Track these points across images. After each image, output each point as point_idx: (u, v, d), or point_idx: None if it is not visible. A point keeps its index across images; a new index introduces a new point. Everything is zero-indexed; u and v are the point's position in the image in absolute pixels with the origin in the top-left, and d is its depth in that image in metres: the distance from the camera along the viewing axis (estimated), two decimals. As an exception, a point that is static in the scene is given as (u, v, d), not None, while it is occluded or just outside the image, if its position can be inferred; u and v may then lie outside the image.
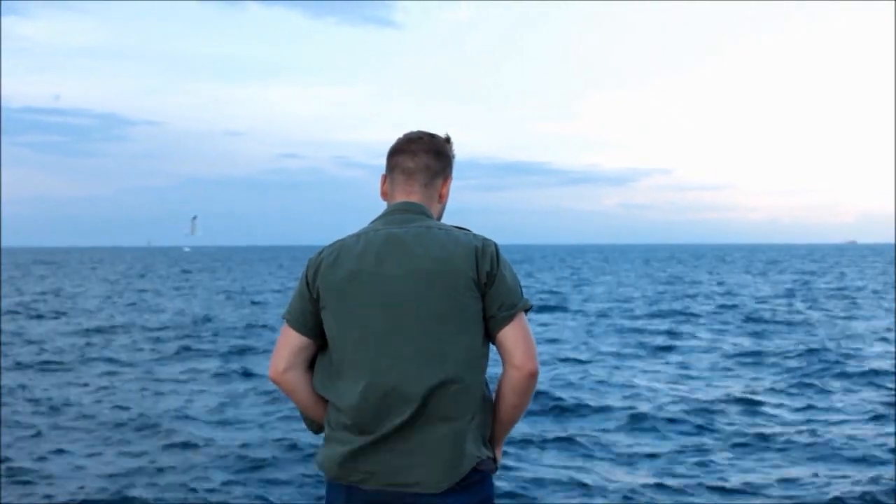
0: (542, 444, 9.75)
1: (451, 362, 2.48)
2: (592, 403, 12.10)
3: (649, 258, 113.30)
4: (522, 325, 2.52)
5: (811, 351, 17.54)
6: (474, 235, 2.58)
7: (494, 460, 2.60)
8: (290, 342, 2.61)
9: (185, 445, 9.70)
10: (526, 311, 2.54)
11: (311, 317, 2.59)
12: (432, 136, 2.74)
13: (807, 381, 14.02)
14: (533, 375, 2.51)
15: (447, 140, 2.76)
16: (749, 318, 25.41)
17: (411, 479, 2.49)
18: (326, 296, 2.56)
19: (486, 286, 2.52)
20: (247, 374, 14.78)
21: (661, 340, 20.09)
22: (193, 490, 7.97)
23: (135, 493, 7.80)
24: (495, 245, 2.56)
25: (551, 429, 10.58)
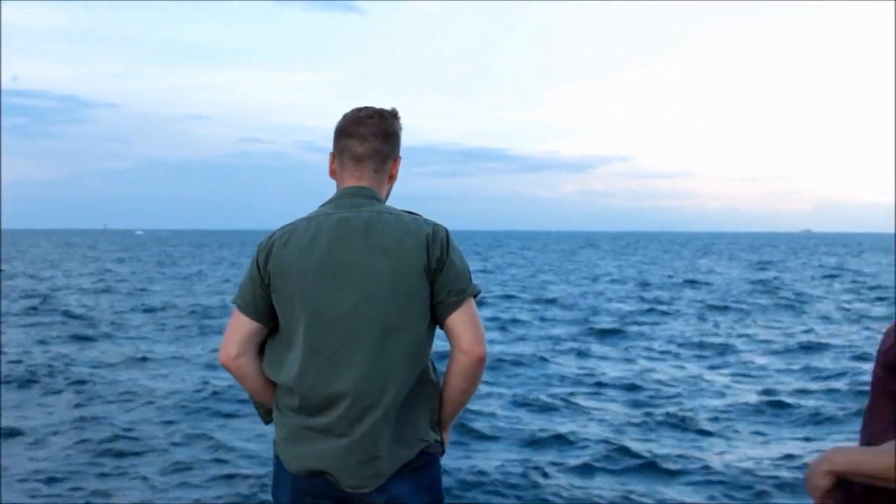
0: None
1: (415, 352, 2.53)
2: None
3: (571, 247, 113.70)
4: (471, 310, 2.53)
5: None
6: (424, 221, 2.57)
7: (442, 443, 2.62)
8: (241, 327, 2.59)
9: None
10: (475, 296, 2.55)
11: (261, 301, 2.57)
12: (381, 117, 2.68)
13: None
14: (481, 360, 2.52)
15: (394, 115, 2.71)
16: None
17: (374, 465, 2.50)
18: (277, 280, 2.53)
19: (435, 272, 2.51)
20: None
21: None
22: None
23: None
24: (446, 231, 2.56)
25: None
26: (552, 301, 27.16)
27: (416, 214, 2.61)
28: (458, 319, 2.52)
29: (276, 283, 2.54)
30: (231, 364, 2.60)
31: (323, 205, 2.66)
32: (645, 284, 35.25)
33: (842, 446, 2.22)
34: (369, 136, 2.65)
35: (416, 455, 2.53)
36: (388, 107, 2.72)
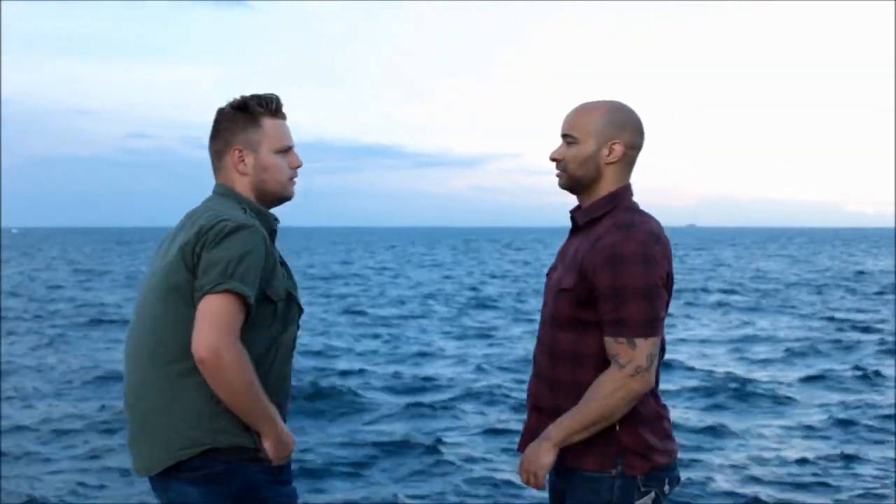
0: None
1: (157, 332, 2.51)
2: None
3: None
4: (206, 307, 2.40)
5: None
6: (217, 213, 2.50)
7: (242, 448, 2.50)
8: None
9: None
10: (236, 294, 2.40)
11: None
12: (218, 112, 2.69)
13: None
14: (201, 361, 2.37)
15: (233, 106, 2.66)
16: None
17: (139, 462, 2.55)
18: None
19: (196, 266, 2.46)
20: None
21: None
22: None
23: None
24: (232, 226, 2.45)
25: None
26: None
27: (238, 206, 2.58)
28: (197, 317, 2.42)
29: None
30: None
31: None
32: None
33: (554, 425, 2.48)
34: (209, 138, 2.71)
35: (188, 457, 2.45)
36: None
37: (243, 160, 2.63)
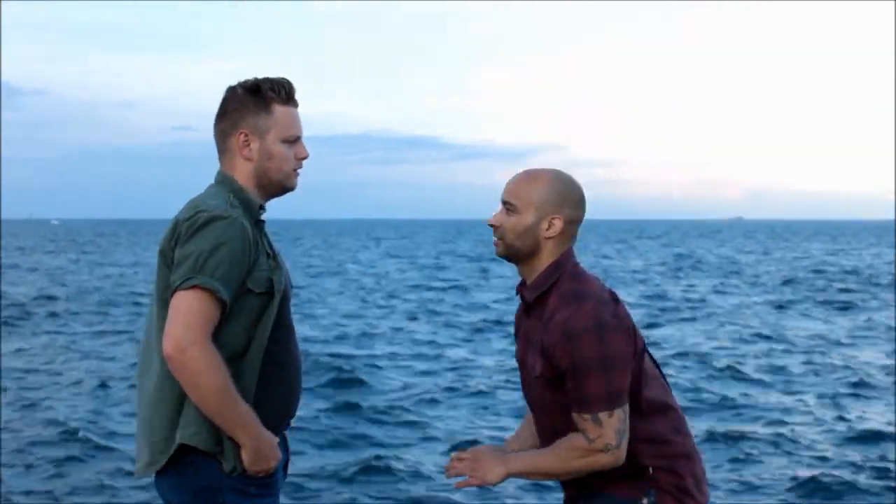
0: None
1: (158, 339, 2.46)
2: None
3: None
4: (175, 304, 2.39)
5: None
6: (196, 204, 2.48)
7: (213, 453, 2.47)
8: None
9: None
10: (205, 289, 2.38)
11: None
12: (227, 90, 2.64)
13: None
14: (168, 358, 2.37)
15: (243, 86, 2.61)
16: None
17: (138, 460, 2.55)
18: None
19: (172, 259, 2.46)
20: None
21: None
22: None
23: None
24: (206, 217, 2.43)
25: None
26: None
27: (226, 194, 2.54)
28: (168, 313, 2.41)
29: None
30: None
31: None
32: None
33: (518, 455, 2.55)
34: (215, 118, 2.66)
35: (172, 455, 2.47)
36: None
37: (248, 145, 2.60)
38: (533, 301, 2.52)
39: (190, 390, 2.37)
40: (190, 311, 2.35)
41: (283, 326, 2.57)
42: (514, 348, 2.71)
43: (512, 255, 2.54)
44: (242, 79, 2.63)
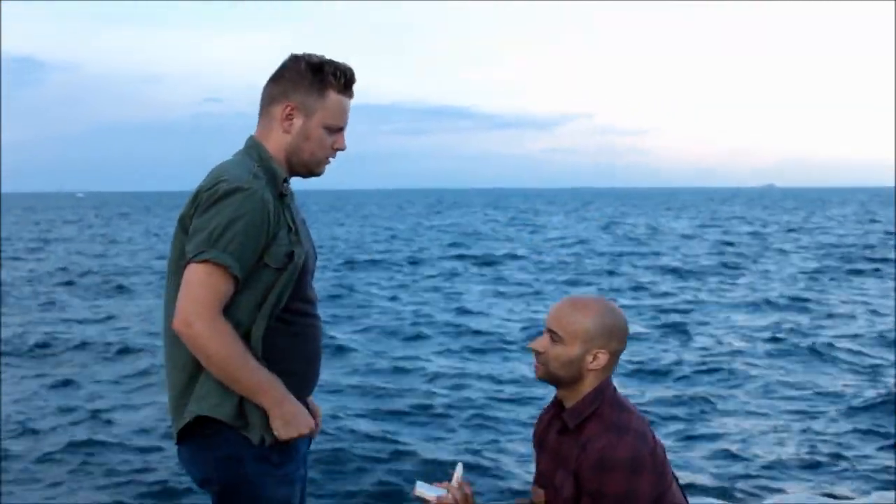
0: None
1: (168, 306, 2.48)
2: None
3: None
4: (188, 277, 2.36)
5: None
6: (219, 173, 2.43)
7: (236, 427, 2.44)
8: None
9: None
10: (217, 264, 2.35)
11: None
12: (289, 59, 2.57)
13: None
14: (178, 332, 2.36)
15: (305, 59, 2.54)
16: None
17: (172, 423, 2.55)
18: None
19: (188, 229, 2.43)
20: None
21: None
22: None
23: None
24: (226, 189, 2.38)
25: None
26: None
27: (231, 168, 2.46)
28: (182, 285, 2.39)
29: None
30: None
31: None
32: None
33: None
34: (266, 82, 2.60)
35: (188, 421, 2.44)
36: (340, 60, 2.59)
37: (291, 119, 2.54)
38: (573, 426, 2.50)
39: (203, 361, 2.38)
40: (200, 285, 2.34)
41: (302, 299, 2.54)
42: None
43: (552, 381, 2.53)
44: (309, 52, 2.58)
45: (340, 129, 2.59)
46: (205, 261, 2.33)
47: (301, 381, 2.54)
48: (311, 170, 2.61)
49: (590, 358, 2.46)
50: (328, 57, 2.55)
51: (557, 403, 2.59)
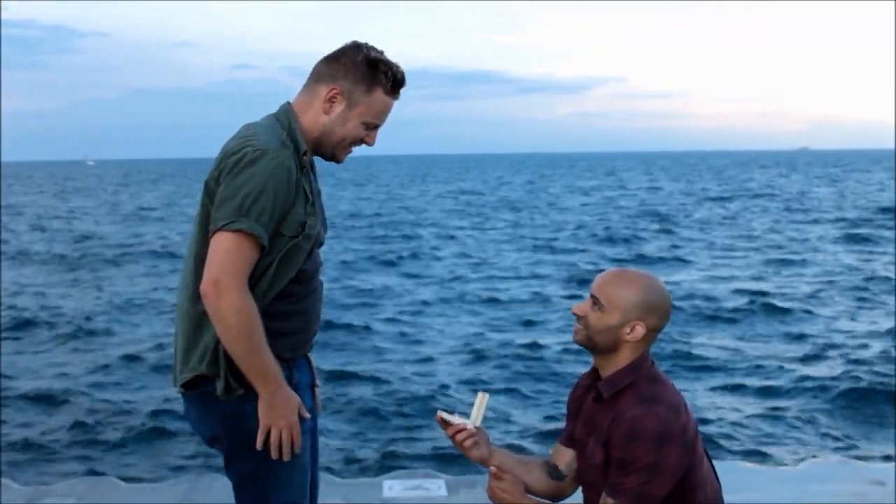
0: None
1: (192, 265, 2.51)
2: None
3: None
4: (217, 245, 2.39)
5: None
6: (247, 137, 2.46)
7: (226, 388, 2.48)
8: None
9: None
10: (248, 234, 2.38)
11: None
12: (349, 46, 2.60)
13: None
14: (204, 295, 2.38)
15: (363, 49, 2.57)
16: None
17: (173, 376, 2.61)
18: None
19: (214, 191, 2.45)
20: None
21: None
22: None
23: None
24: (254, 154, 2.40)
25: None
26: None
27: (260, 132, 2.48)
28: (208, 252, 2.41)
29: None
30: None
31: None
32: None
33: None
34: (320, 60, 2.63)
35: (188, 379, 2.52)
36: (379, 48, 2.61)
37: (333, 103, 2.57)
38: (608, 397, 2.54)
39: (220, 331, 2.40)
40: (231, 253, 2.37)
41: (308, 268, 2.58)
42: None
43: (590, 346, 2.57)
44: (372, 44, 2.62)
45: (376, 127, 2.64)
46: (237, 230, 2.36)
47: (299, 340, 2.61)
48: (335, 154, 2.64)
49: (627, 329, 2.50)
50: (386, 56, 2.59)
51: (594, 371, 2.63)
